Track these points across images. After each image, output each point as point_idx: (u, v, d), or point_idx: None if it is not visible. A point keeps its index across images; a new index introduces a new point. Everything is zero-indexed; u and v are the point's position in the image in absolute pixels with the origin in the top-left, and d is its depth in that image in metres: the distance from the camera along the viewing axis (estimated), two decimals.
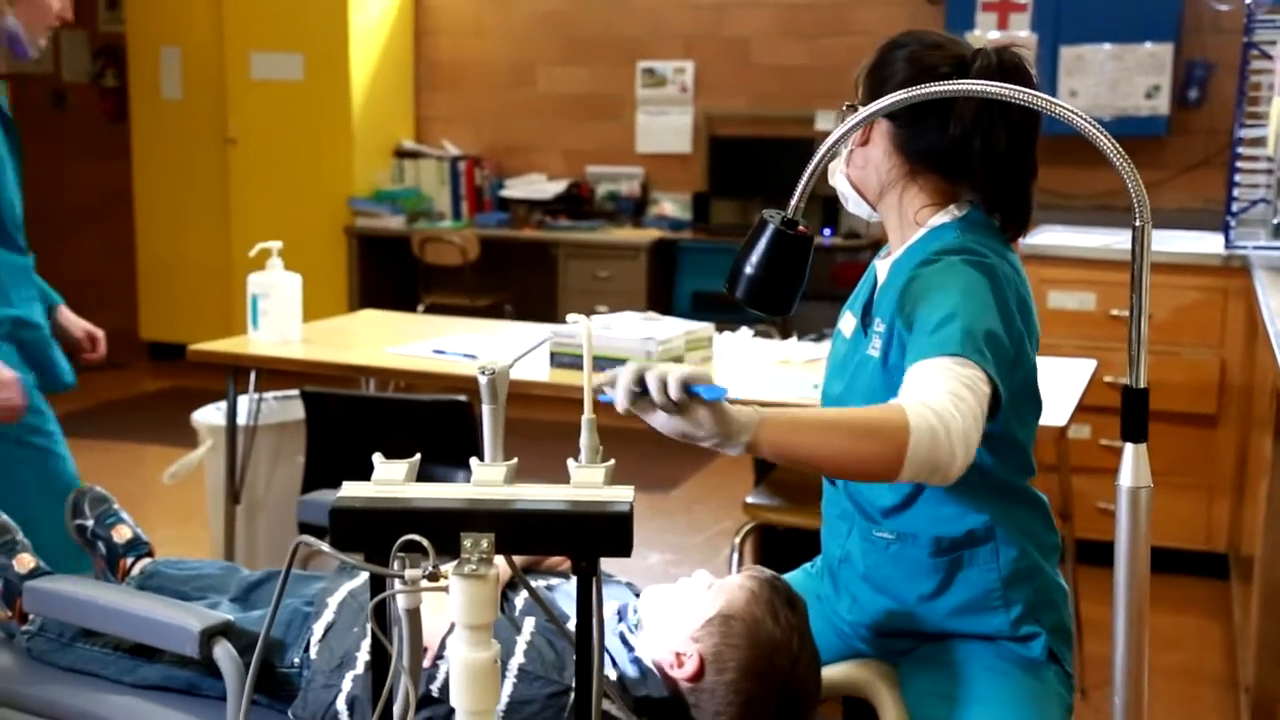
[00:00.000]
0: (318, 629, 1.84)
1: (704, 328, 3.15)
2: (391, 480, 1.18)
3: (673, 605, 1.76)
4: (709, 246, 6.08)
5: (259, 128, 6.53)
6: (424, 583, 1.11)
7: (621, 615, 1.81)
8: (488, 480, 1.18)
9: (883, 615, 1.81)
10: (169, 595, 1.98)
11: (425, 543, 1.10)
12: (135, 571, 2.16)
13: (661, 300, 6.03)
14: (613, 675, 1.72)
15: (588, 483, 1.19)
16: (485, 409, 1.19)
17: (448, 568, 1.12)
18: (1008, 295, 1.63)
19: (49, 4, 2.66)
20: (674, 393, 1.35)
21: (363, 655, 1.79)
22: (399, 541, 1.11)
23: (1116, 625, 1.41)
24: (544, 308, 6.04)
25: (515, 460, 1.21)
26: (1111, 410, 3.92)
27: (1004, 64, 1.68)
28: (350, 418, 2.83)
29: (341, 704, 1.76)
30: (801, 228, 1.58)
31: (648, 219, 6.43)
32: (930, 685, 1.79)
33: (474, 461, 1.21)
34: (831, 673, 1.81)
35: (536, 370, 2.95)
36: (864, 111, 1.51)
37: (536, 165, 6.65)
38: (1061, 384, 2.88)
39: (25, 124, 3.12)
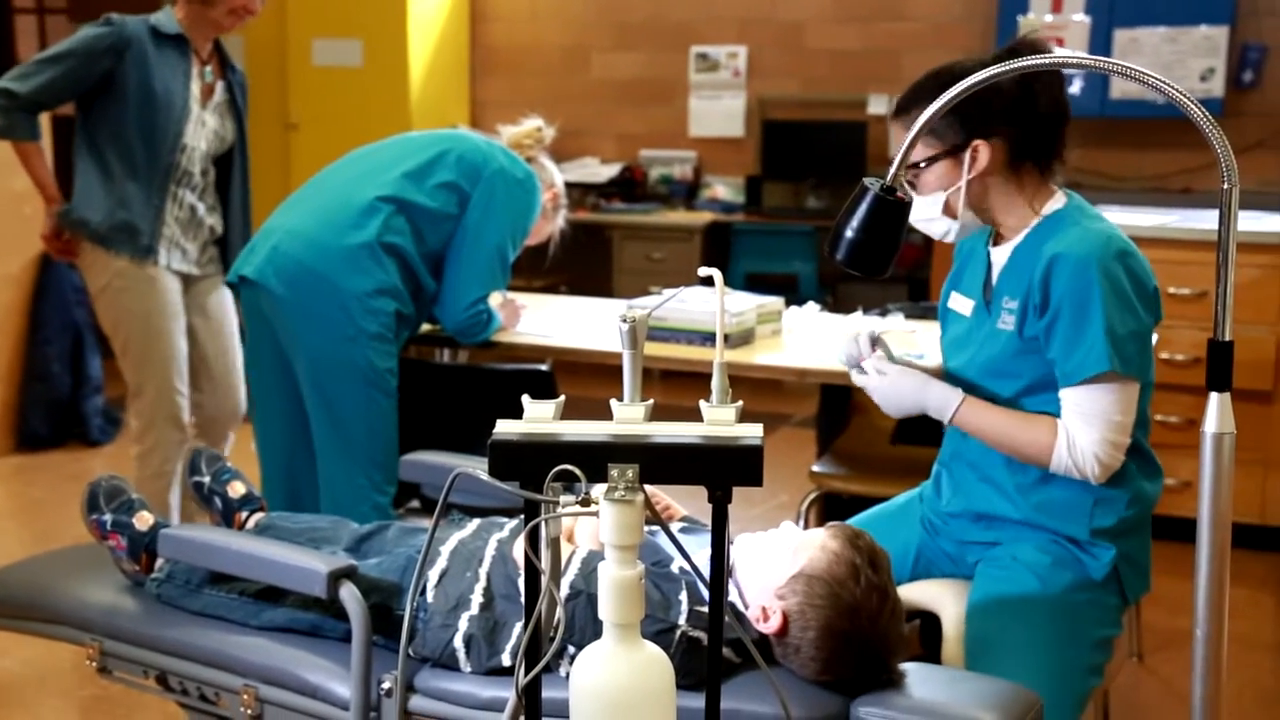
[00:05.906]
0: (432, 575, 1.96)
1: (774, 301, 3.24)
2: (541, 418, 1.29)
3: (760, 555, 1.86)
4: (762, 229, 6.16)
5: (320, 113, 6.66)
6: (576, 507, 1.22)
7: None
8: (629, 418, 1.29)
9: (980, 499, 2.06)
10: None
11: (578, 472, 1.22)
12: (250, 524, 2.28)
13: None
14: None
15: (720, 420, 1.29)
16: (626, 354, 1.30)
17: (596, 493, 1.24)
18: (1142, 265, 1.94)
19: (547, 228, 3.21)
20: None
21: (476, 597, 1.91)
22: (554, 471, 1.23)
23: (1199, 563, 1.51)
24: (599, 288, 6.14)
25: (652, 401, 1.31)
26: (1166, 386, 3.98)
27: (1030, 43, 1.95)
28: (440, 385, 2.95)
29: (459, 641, 1.88)
30: (899, 194, 1.68)
31: (700, 202, 6.53)
32: (992, 591, 1.99)
33: (613, 402, 1.31)
34: (909, 592, 2.05)
35: (607, 342, 3.06)
36: (964, 84, 1.57)
37: (590, 149, 6.76)
38: None
39: None
